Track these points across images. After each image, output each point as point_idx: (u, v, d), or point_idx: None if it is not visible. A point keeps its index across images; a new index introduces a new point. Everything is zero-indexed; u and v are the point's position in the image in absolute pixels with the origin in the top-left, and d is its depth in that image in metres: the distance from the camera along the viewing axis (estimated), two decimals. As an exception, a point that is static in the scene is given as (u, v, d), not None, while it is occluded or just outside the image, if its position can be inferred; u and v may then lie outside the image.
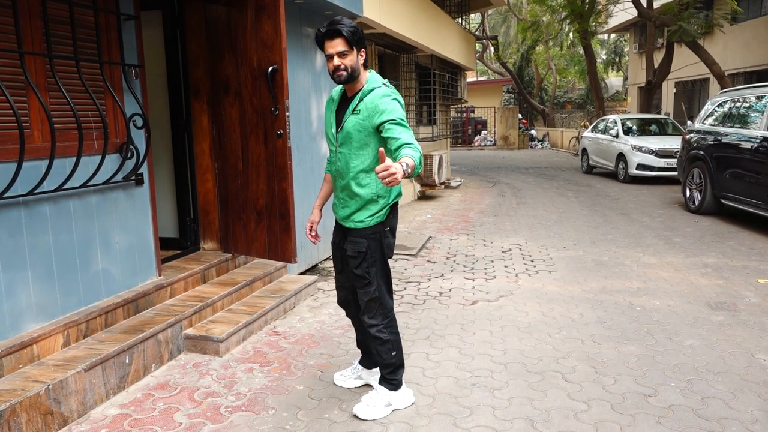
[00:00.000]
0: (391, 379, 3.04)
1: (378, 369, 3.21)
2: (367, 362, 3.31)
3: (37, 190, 3.09)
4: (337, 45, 2.74)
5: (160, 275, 4.10)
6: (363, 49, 2.82)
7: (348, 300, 3.19)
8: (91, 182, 3.44)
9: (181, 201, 4.84)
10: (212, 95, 4.57)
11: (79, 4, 3.32)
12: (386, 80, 2.92)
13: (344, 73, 2.77)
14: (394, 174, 2.30)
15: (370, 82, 2.86)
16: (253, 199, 4.44)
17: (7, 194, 2.92)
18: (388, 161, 2.34)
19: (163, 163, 4.81)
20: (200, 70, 4.62)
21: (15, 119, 2.87)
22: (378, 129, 2.75)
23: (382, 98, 2.76)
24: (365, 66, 2.86)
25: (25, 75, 2.99)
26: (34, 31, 3.13)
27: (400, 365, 3.06)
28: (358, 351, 3.48)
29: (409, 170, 2.45)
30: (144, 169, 3.91)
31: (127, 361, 3.30)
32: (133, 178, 3.80)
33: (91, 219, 3.52)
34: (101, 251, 3.59)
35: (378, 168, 2.32)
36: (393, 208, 2.97)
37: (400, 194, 2.97)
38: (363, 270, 2.91)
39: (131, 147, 3.72)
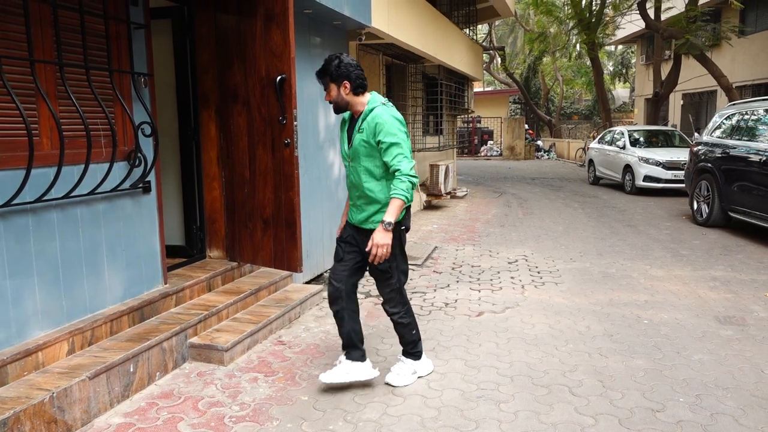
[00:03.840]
0: (415, 352, 3.52)
1: (365, 363, 3.43)
2: (356, 355, 3.42)
3: (45, 198, 3.10)
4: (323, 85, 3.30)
5: (165, 283, 4.09)
6: (345, 81, 3.21)
7: (341, 292, 3.37)
8: (99, 190, 3.44)
9: (187, 209, 4.84)
10: (220, 104, 4.59)
11: (90, 13, 3.34)
12: (385, 99, 3.31)
13: (332, 105, 3.31)
14: (379, 248, 3.10)
15: (371, 102, 3.24)
16: (259, 207, 4.44)
17: (15, 201, 2.93)
18: (370, 244, 3.13)
19: (171, 171, 4.82)
20: (209, 79, 4.64)
21: (25, 126, 2.89)
22: (378, 145, 3.16)
23: (378, 118, 3.16)
24: (357, 92, 3.23)
25: (35, 83, 3.00)
26: (45, 39, 3.15)
27: (419, 339, 3.54)
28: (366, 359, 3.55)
29: (392, 218, 3.08)
30: (152, 177, 3.91)
31: (131, 370, 3.29)
32: (140, 185, 3.80)
33: (98, 226, 3.52)
34: (108, 259, 3.60)
35: (369, 251, 3.13)
36: (407, 210, 3.30)
37: (411, 198, 3.22)
38: (385, 265, 3.27)
39: (139, 155, 3.73)
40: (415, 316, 4.68)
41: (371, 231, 3.23)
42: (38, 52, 3.09)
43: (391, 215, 3.09)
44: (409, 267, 6.27)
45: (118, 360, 3.20)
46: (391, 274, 3.32)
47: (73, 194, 3.27)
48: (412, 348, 3.51)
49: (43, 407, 2.74)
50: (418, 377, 3.51)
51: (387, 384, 3.43)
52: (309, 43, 5.50)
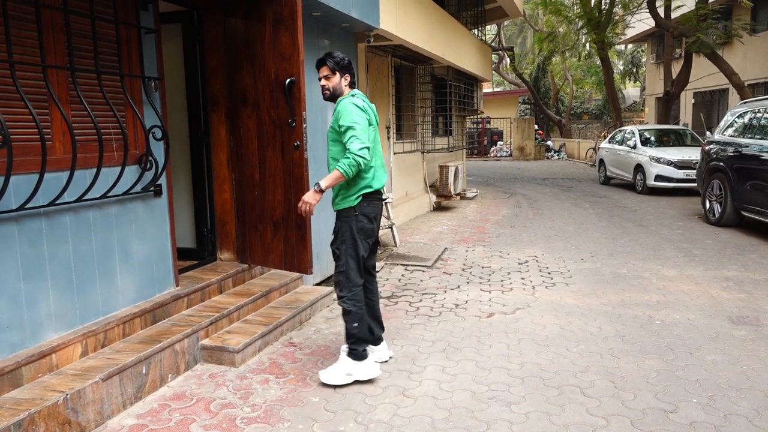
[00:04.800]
0: (353, 350, 3.50)
1: (383, 345, 3.81)
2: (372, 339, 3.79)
3: (57, 201, 3.13)
4: (323, 71, 3.56)
5: (177, 285, 4.12)
6: (348, 74, 3.57)
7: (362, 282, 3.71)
8: (111, 193, 3.48)
9: (198, 211, 4.87)
10: (230, 107, 4.61)
11: (101, 18, 3.38)
12: (356, 91, 3.60)
13: (327, 92, 3.59)
14: (302, 203, 3.42)
15: (346, 95, 3.56)
16: (269, 209, 4.46)
17: (28, 205, 2.97)
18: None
19: (182, 173, 4.85)
20: (218, 82, 4.66)
21: (38, 131, 2.92)
22: (340, 129, 3.42)
23: (340, 106, 3.47)
24: (351, 85, 3.60)
25: (47, 88, 3.04)
26: (56, 44, 3.18)
27: (362, 339, 3.52)
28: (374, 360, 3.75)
29: (324, 183, 3.34)
30: (162, 180, 3.94)
31: (144, 372, 3.32)
32: (151, 189, 3.83)
33: (110, 229, 3.56)
34: (120, 261, 3.63)
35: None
36: (367, 197, 3.51)
37: (371, 186, 3.50)
38: (335, 246, 3.56)
39: (150, 158, 3.76)
40: (428, 318, 4.70)
41: (339, 211, 3.53)
42: (50, 58, 3.13)
43: (325, 180, 3.36)
44: (416, 268, 6.30)
45: (130, 362, 3.22)
46: (339, 256, 3.52)
47: (85, 198, 3.30)
48: (350, 342, 3.51)
49: (57, 409, 2.77)
50: (356, 380, 3.46)
51: (321, 382, 3.47)
52: (317, 46, 5.52)
